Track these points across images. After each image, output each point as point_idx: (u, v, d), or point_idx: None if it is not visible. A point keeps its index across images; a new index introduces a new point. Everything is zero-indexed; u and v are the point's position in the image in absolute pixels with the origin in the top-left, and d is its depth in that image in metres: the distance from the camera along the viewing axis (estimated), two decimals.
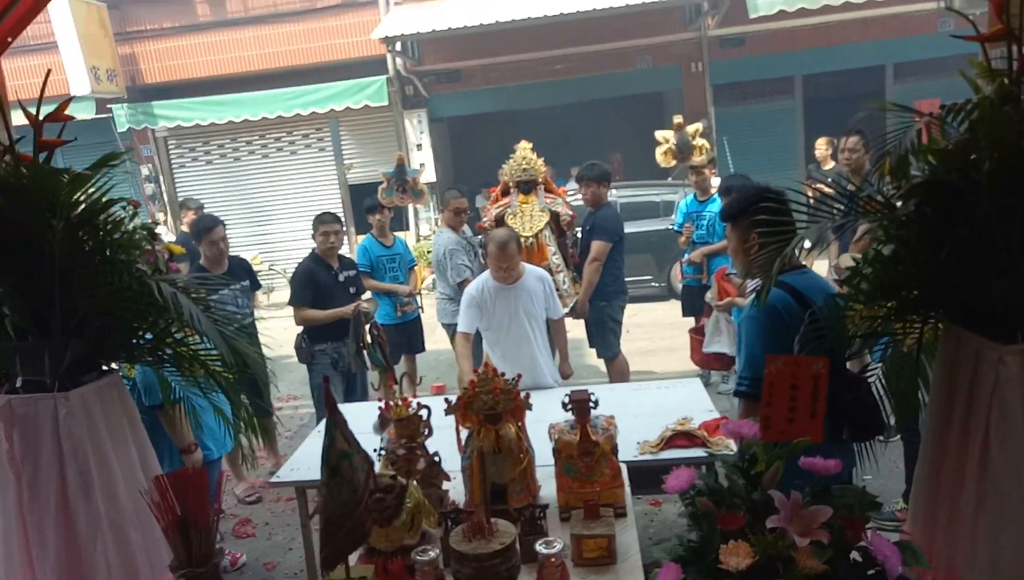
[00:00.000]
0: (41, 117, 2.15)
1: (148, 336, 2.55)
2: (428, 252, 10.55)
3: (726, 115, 11.56)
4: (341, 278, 4.67)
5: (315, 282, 4.53)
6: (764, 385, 1.68)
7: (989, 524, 1.86)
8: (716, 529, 1.58)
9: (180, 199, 6.73)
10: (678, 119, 5.88)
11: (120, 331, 2.49)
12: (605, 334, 5.14)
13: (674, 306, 7.91)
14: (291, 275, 4.60)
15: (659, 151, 5.82)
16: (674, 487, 1.66)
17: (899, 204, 1.93)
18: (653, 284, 8.98)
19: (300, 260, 4.73)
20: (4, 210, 2.15)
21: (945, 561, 2.00)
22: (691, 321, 5.85)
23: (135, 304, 2.40)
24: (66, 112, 2.19)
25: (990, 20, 1.85)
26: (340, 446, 1.80)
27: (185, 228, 7.03)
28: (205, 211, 6.37)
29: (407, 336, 5.63)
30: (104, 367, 2.52)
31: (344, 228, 4.74)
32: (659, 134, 5.85)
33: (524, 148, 5.03)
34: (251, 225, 12.61)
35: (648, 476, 2.60)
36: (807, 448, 1.62)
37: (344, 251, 4.92)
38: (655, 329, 7.67)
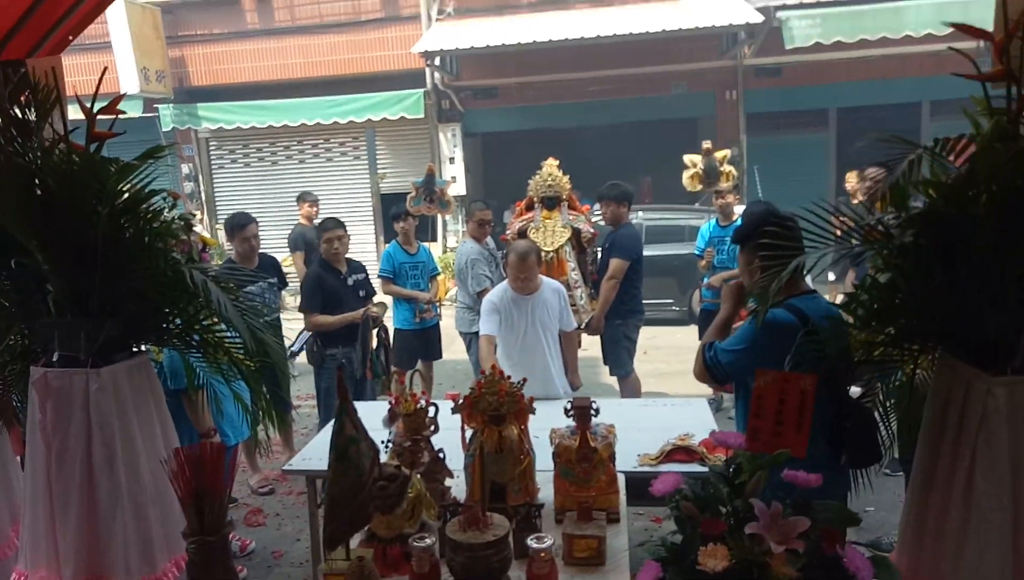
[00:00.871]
0: (95, 111, 2.31)
1: (178, 321, 2.69)
2: (453, 264, 10.72)
3: (758, 144, 11.57)
4: (350, 282, 4.74)
5: (323, 288, 4.60)
6: (752, 398, 1.76)
7: (972, 551, 1.90)
8: (698, 533, 1.64)
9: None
10: (707, 144, 5.97)
11: (152, 315, 2.64)
12: (619, 352, 5.20)
13: (694, 331, 7.92)
14: (300, 282, 4.69)
15: (686, 175, 5.90)
16: (660, 490, 1.74)
17: (897, 234, 2.00)
18: (674, 308, 9.00)
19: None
20: (55, 194, 2.31)
21: None
22: None
23: (168, 289, 2.55)
24: (117, 108, 2.34)
25: (993, 61, 1.92)
26: (348, 432, 1.92)
27: (303, 220, 7.17)
28: (243, 210, 6.55)
29: (425, 342, 5.74)
30: (135, 349, 2.67)
31: (346, 232, 4.80)
32: (687, 158, 5.94)
33: (551, 165, 5.15)
34: (284, 228, 12.88)
35: (647, 488, 2.66)
36: (788, 460, 1.69)
37: (371, 257, 5.04)
38: (673, 352, 7.69)
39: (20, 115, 2.35)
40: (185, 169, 12.78)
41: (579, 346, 4.84)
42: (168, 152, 2.45)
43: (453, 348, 6.52)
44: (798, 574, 1.54)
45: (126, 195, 2.42)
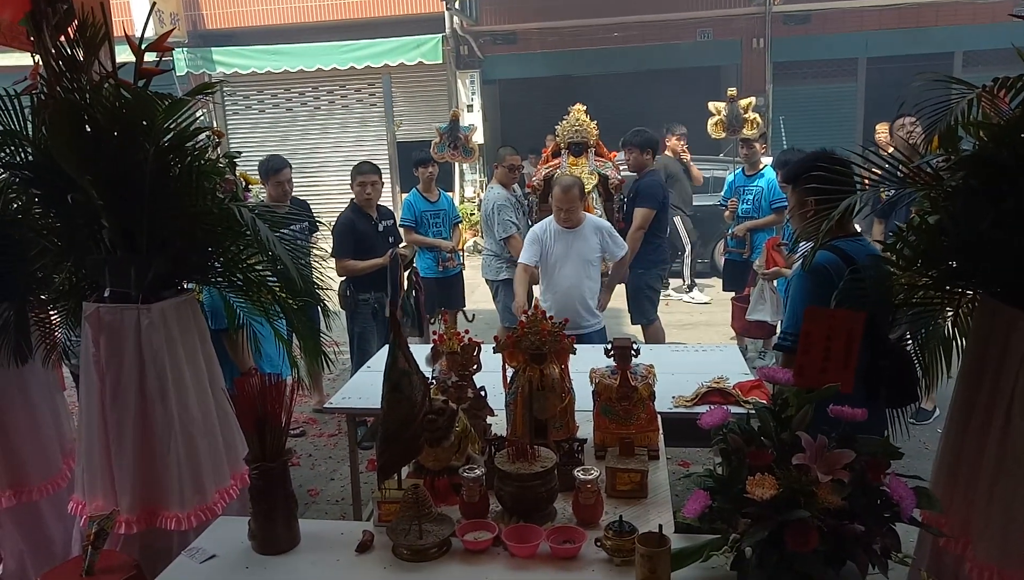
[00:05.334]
0: (143, 48, 2.32)
1: (222, 260, 2.73)
2: (471, 214, 10.70)
3: (785, 93, 11.37)
4: (380, 228, 4.79)
5: (355, 233, 4.64)
6: (801, 335, 1.79)
7: (1006, 490, 1.95)
8: (745, 463, 1.69)
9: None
10: (731, 91, 5.90)
11: (198, 253, 2.69)
12: (641, 301, 5.23)
13: (717, 283, 7.94)
14: (332, 227, 4.75)
15: (710, 122, 5.86)
16: (708, 423, 1.78)
17: (947, 176, 2.00)
18: (696, 261, 8.97)
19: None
20: (104, 131, 2.34)
21: (960, 524, 2.10)
22: (730, 297, 5.91)
23: (214, 227, 2.59)
24: (165, 44, 2.35)
25: None
26: (401, 365, 1.97)
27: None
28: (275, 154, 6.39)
29: (447, 291, 5.78)
30: (180, 287, 2.72)
31: (381, 178, 4.85)
32: (712, 105, 5.88)
33: (578, 110, 5.11)
34: (299, 175, 12.80)
35: (681, 428, 2.73)
36: (836, 395, 1.73)
37: (388, 205, 5.04)
38: (695, 304, 7.73)
39: (67, 51, 2.36)
40: (199, 114, 12.70)
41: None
42: (217, 90, 2.46)
43: (473, 297, 6.56)
44: (844, 502, 1.59)
45: (172, 132, 2.44)
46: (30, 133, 2.55)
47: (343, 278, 4.76)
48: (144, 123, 2.33)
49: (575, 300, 4.00)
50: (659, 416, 2.52)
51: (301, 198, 5.01)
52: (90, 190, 2.35)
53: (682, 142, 7.59)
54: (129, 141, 2.36)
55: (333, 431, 4.89)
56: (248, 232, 2.53)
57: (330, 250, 4.65)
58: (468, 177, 12.15)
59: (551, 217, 4.08)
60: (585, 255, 4.02)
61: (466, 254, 8.27)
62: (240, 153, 2.84)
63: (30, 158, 2.59)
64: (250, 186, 3.12)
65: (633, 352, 2.39)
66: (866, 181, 2.22)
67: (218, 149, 2.62)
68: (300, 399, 5.38)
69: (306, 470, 4.40)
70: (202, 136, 2.50)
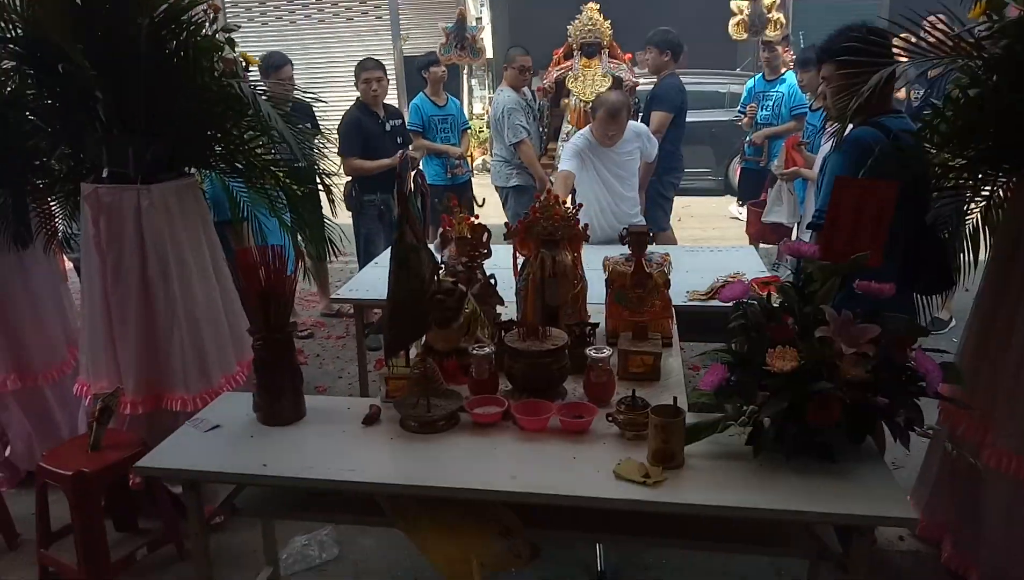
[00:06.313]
0: None
1: (222, 144, 2.63)
2: (480, 131, 10.44)
3: (805, 7, 10.87)
4: (388, 127, 4.64)
5: (362, 131, 4.50)
6: (830, 206, 1.70)
7: None
8: (765, 337, 1.63)
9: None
10: None
11: (198, 136, 2.58)
12: (653, 209, 5.09)
13: (729, 201, 7.79)
14: (338, 125, 4.60)
15: (732, 22, 5.58)
16: (728, 296, 1.72)
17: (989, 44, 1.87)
18: (710, 177, 8.79)
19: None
20: (93, 4, 2.20)
21: (981, 414, 2.06)
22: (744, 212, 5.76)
23: (214, 107, 2.48)
24: None
25: None
26: (409, 239, 1.89)
27: None
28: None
29: (457, 199, 5.65)
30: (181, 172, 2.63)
31: (386, 75, 4.65)
32: (734, 4, 5.59)
33: (591, 9, 4.86)
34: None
35: (695, 323, 2.68)
36: (864, 271, 1.65)
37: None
38: (708, 220, 7.58)
39: None
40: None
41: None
42: None
43: (483, 210, 6.43)
44: (868, 375, 1.54)
45: (165, 5, 2.30)
46: (17, 6, 2.41)
47: (348, 179, 4.63)
48: None
49: (616, 211, 3.89)
50: (673, 307, 2.46)
51: (304, 100, 4.84)
52: (82, 61, 2.23)
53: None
54: (120, 13, 2.23)
55: (341, 334, 4.89)
56: (250, 112, 2.42)
57: (336, 149, 4.53)
58: (477, 93, 11.82)
59: (587, 129, 3.87)
60: (626, 166, 3.88)
61: (476, 171, 8.10)
62: (238, 27, 2.69)
63: (19, 32, 2.46)
64: (250, 66, 2.99)
65: (649, 240, 2.31)
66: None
67: (215, 24, 2.48)
68: (308, 304, 5.38)
69: (314, 368, 4.40)
70: (198, 9, 2.36)
